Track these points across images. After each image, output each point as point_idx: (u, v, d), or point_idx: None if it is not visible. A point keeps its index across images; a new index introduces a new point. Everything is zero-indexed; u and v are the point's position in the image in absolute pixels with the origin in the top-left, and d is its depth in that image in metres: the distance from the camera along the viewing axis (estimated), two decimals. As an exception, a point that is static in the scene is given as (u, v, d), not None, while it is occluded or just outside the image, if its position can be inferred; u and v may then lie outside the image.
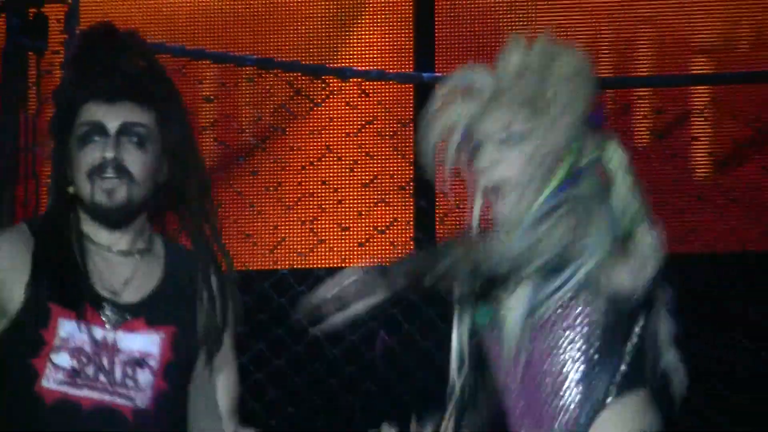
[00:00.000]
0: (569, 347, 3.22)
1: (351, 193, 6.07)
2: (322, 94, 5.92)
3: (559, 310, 3.13)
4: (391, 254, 5.97)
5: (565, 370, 3.19)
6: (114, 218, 3.24)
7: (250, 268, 5.90)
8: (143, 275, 3.35)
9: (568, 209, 3.06)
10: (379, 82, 5.97)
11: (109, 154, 3.18)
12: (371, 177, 6.05)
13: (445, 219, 5.96)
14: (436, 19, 6.21)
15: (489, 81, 3.15)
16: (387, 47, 6.46)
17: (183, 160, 3.36)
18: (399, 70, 6.12)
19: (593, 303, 3.15)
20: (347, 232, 5.91)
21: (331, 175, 6.00)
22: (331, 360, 5.83)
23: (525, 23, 6.57)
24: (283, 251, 5.95)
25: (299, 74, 5.86)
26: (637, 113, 6.67)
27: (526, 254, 3.12)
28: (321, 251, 6.04)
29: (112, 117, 3.21)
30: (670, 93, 6.71)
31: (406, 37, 6.37)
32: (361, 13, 6.64)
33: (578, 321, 3.20)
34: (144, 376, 3.35)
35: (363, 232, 5.90)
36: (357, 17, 6.70)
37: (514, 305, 3.17)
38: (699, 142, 6.54)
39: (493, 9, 6.68)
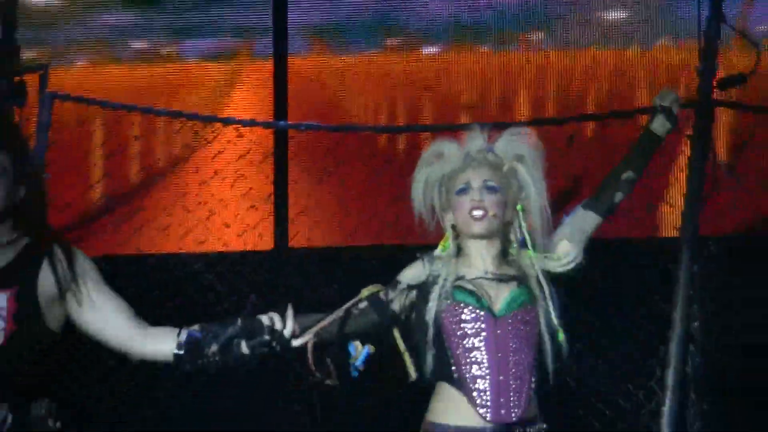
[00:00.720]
0: (530, 330, 4.46)
1: (232, 202, 7.70)
2: (213, 135, 7.55)
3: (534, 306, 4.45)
4: (255, 238, 7.68)
5: (524, 345, 4.49)
6: None
7: (164, 251, 7.58)
8: (2, 257, 4.41)
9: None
10: (250, 127, 7.61)
11: None
12: (246, 191, 7.65)
13: (294, 219, 7.66)
14: (289, 83, 7.72)
15: (457, 150, 4.54)
16: (255, 103, 8.07)
17: (30, 184, 4.40)
18: (264, 119, 7.73)
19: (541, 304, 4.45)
20: (229, 228, 7.57)
21: (219, 189, 7.68)
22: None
23: (359, 86, 8.23)
24: (188, 240, 7.62)
25: (198, 122, 7.51)
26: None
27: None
28: (211, 241, 7.71)
29: None
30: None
31: (268, 96, 7.82)
32: (238, 80, 8.32)
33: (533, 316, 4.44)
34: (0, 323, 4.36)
35: (240, 227, 7.59)
36: (235, 83, 8.33)
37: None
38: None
39: (334, 75, 8.22)
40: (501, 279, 4.38)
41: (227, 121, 7.44)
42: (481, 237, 4.33)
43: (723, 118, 7.62)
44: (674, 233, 7.28)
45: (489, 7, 8.10)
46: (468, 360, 4.30)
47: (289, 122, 7.54)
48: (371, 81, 8.25)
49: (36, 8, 8.09)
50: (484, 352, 4.30)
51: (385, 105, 8.52)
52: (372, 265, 6.96)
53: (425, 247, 4.60)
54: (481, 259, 4.38)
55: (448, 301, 4.35)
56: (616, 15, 8.12)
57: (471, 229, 4.35)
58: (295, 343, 4.33)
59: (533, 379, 4.35)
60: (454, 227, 4.43)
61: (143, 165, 7.91)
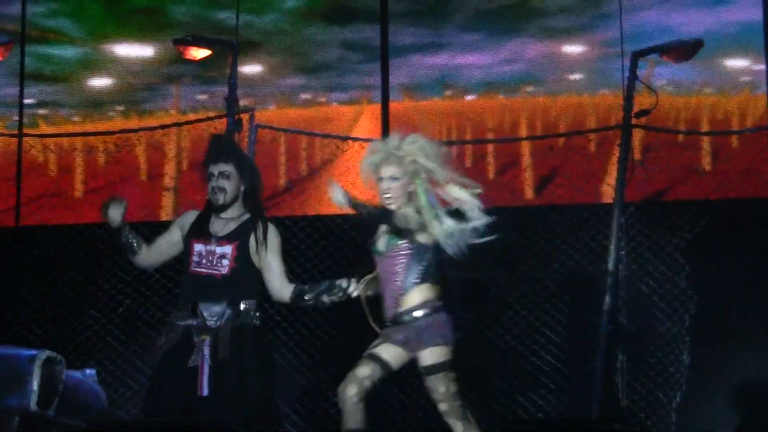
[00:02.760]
0: (403, 260, 5.54)
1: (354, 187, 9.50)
2: (346, 148, 9.41)
3: (405, 245, 5.51)
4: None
5: (399, 269, 5.59)
6: (220, 208, 5.76)
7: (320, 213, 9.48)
8: (231, 225, 5.71)
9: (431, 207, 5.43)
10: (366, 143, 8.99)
11: (215, 183, 5.67)
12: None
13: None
14: (390, 118, 9.91)
15: (382, 147, 5.63)
16: (370, 130, 10.41)
17: (248, 180, 5.69)
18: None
19: (415, 244, 5.52)
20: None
21: (347, 177, 8.00)
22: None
23: (430, 119, 10.55)
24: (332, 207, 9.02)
25: (338, 140, 9.76)
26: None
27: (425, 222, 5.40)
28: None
29: (215, 168, 5.75)
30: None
31: (377, 126, 9.89)
32: (361, 116, 10.77)
33: (408, 251, 5.53)
34: (225, 261, 5.66)
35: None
36: (359, 118, 10.62)
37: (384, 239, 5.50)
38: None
39: (414, 112, 10.58)
40: (387, 231, 5.61)
41: (355, 139, 9.75)
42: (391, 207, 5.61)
43: (637, 134, 9.13)
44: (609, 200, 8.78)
45: (506, 63, 10.26)
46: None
47: None
48: (436, 115, 10.84)
49: (246, 75, 10.57)
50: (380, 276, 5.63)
51: (445, 130, 11.04)
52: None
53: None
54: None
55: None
56: (575, 76, 10.45)
57: (385, 205, 5.65)
58: (353, 294, 5.69)
59: (403, 287, 5.54)
60: None
61: (309, 165, 10.89)
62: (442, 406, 5.48)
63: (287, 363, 8.64)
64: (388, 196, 5.55)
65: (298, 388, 8.87)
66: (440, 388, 5.45)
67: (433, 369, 5.44)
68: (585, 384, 8.41)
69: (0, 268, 9.42)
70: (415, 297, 5.49)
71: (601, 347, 8.27)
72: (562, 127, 10.63)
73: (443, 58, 10.73)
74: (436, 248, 5.51)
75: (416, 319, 5.44)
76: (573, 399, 8.64)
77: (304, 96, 11.22)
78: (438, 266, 5.55)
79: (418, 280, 5.50)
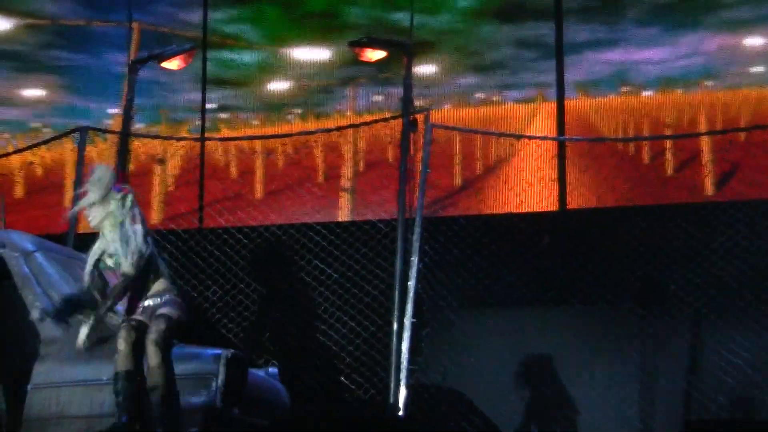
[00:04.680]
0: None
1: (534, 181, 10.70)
2: (519, 145, 10.27)
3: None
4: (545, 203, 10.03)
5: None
6: None
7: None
8: None
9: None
10: (541, 140, 10.35)
11: None
12: (540, 175, 10.45)
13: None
14: (566, 115, 10.68)
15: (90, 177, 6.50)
16: (544, 128, 10.81)
17: None
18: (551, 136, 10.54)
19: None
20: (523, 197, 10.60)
21: (521, 173, 10.42)
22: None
23: (607, 114, 11.13)
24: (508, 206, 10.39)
25: (512, 138, 11.03)
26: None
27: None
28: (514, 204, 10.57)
29: None
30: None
31: (552, 123, 10.59)
32: (536, 115, 11.05)
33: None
34: None
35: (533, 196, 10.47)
36: (534, 117, 11.07)
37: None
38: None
39: (590, 109, 11.27)
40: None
41: (530, 137, 10.35)
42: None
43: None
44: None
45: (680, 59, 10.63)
46: None
47: (565, 136, 10.58)
48: (613, 112, 11.09)
49: (420, 75, 10.89)
50: None
51: (621, 127, 11.26)
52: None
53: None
54: None
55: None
56: (757, 69, 10.58)
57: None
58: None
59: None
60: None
61: (484, 164, 11.13)
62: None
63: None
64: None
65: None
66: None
67: None
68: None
69: (185, 268, 9.56)
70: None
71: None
72: (742, 122, 10.67)
73: (619, 53, 10.93)
74: None
75: None
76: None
77: (478, 95, 11.41)
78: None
79: None
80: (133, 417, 6.08)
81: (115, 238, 6.29)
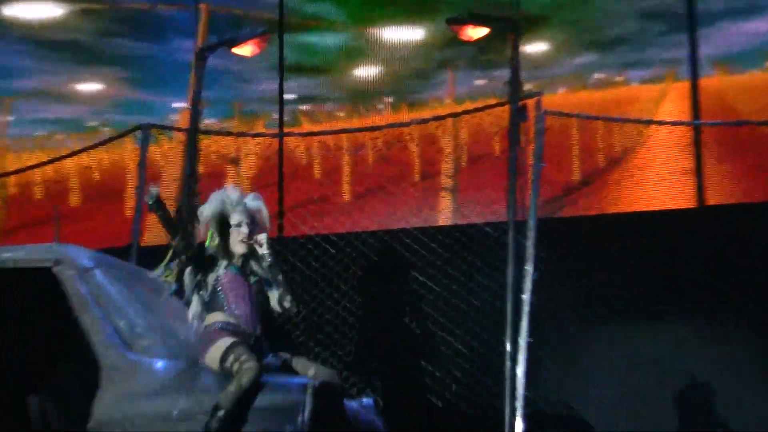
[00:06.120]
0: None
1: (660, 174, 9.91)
2: (648, 133, 9.65)
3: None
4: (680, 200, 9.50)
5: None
6: None
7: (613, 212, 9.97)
8: None
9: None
10: (671, 126, 9.60)
11: None
12: (671, 167, 9.63)
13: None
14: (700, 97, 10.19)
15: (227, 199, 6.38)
16: (675, 112, 10.34)
17: None
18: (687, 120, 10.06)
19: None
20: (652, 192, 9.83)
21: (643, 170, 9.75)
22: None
23: (754, 96, 10.89)
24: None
25: (640, 124, 9.75)
26: None
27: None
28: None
29: None
30: None
31: (685, 106, 9.85)
32: (666, 96, 10.68)
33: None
34: None
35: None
36: (663, 99, 10.77)
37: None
38: None
39: (731, 89, 10.94)
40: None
41: (661, 123, 9.77)
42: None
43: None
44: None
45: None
46: None
47: (697, 121, 9.76)
48: (757, 91, 10.47)
49: (529, 55, 10.63)
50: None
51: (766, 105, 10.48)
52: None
53: None
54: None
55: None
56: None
57: (237, 248, 6.39)
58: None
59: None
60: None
61: (606, 156, 10.58)
62: None
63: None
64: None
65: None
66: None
67: None
68: None
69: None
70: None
71: None
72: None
73: (763, 23, 10.33)
74: None
75: None
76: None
77: (597, 76, 10.99)
78: None
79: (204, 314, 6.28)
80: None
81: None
